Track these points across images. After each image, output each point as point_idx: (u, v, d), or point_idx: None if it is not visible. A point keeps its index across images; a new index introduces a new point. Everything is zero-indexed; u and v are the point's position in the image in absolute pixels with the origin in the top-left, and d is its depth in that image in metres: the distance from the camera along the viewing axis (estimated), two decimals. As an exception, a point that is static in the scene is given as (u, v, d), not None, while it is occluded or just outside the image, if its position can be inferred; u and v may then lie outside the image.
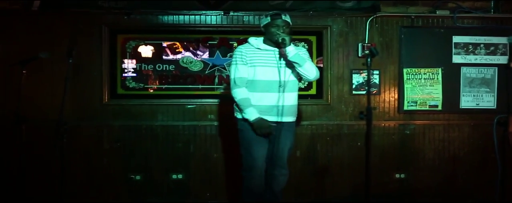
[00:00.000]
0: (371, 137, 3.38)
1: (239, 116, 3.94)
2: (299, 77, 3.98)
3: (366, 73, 5.28)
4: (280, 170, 3.98)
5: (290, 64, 3.85)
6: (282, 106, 3.85)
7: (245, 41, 4.11)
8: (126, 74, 5.27)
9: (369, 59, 3.31)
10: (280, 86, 3.84)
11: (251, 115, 3.79)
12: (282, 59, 3.86)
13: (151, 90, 5.31)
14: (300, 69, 3.82)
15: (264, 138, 3.88)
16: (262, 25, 3.96)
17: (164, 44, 5.30)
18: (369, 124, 3.28)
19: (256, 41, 3.98)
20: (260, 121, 3.78)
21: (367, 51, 5.12)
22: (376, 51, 3.32)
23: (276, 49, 3.87)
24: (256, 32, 4.19)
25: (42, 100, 5.04)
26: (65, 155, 4.83)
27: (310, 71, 3.86)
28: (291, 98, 3.94)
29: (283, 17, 3.86)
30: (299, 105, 4.12)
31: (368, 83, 3.64)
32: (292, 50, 3.75)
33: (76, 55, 4.87)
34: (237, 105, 3.90)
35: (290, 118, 3.97)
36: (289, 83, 3.90)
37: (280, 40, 3.72)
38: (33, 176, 4.93)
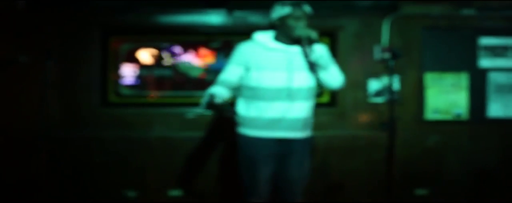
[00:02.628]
0: (395, 150, 2.93)
1: (242, 131, 3.27)
2: (318, 84, 3.29)
3: (384, 79, 4.85)
4: (294, 197, 3.29)
5: (310, 67, 3.16)
6: (291, 118, 3.15)
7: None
8: (119, 80, 4.85)
9: (391, 62, 2.88)
10: (289, 94, 3.12)
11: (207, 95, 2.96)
12: (298, 59, 3.15)
13: (147, 98, 4.89)
14: (324, 74, 3.13)
15: (270, 158, 3.21)
16: (276, 17, 3.15)
17: (161, 47, 4.87)
18: (393, 136, 2.86)
19: (264, 38, 3.20)
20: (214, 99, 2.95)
21: (387, 53, 4.76)
22: (400, 53, 2.87)
23: (288, 48, 3.16)
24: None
25: (23, 108, 4.63)
26: (51, 169, 4.60)
27: (336, 77, 3.17)
28: (303, 109, 3.20)
29: (304, 7, 3.11)
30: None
31: (390, 90, 3.14)
32: (320, 50, 3.04)
33: (63, 59, 4.68)
34: (239, 117, 3.27)
35: (302, 133, 3.25)
36: (302, 90, 3.16)
37: (304, 37, 2.98)
38: (10, 192, 4.56)
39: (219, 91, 3.07)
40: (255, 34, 3.26)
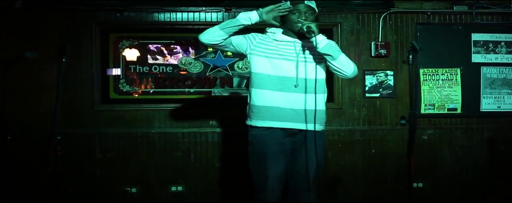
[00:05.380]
0: (415, 145, 2.97)
1: (249, 122, 3.24)
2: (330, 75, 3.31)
3: (380, 74, 4.93)
4: (304, 193, 3.27)
5: (319, 59, 3.18)
6: (303, 109, 3.15)
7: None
8: (119, 77, 4.87)
9: (410, 56, 2.91)
10: (296, 84, 3.15)
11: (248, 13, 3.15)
12: (305, 52, 3.18)
13: (147, 95, 4.91)
14: (334, 63, 3.08)
15: (281, 153, 3.18)
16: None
17: (161, 44, 4.91)
18: (413, 131, 2.90)
19: (274, 31, 3.29)
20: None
21: (383, 50, 4.85)
22: (419, 47, 2.90)
23: (296, 40, 3.19)
24: (261, 30, 3.46)
25: (28, 106, 4.67)
26: (55, 166, 4.61)
27: (347, 65, 3.11)
28: (313, 101, 3.14)
29: (305, 1, 3.15)
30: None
31: (410, 83, 3.17)
32: (322, 40, 3.04)
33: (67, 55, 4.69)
34: (248, 108, 3.25)
35: (313, 126, 3.17)
36: (310, 82, 3.16)
37: (305, 29, 3.00)
38: (20, 191, 4.57)
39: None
40: (268, 28, 3.32)
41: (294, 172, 3.26)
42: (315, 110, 3.14)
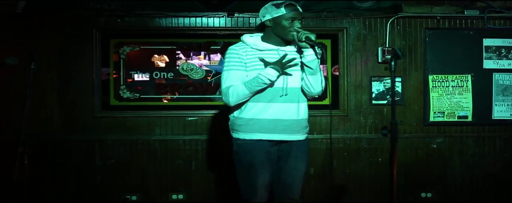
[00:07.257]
0: (396, 156, 2.83)
1: (235, 135, 3.13)
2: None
3: (387, 81, 4.79)
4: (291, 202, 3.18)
5: (302, 68, 3.08)
6: (289, 120, 3.05)
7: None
8: (119, 83, 4.81)
9: (392, 63, 2.76)
10: (284, 94, 3.02)
11: (267, 73, 2.91)
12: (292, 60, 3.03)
13: (148, 101, 4.84)
14: (310, 78, 3.03)
15: (267, 162, 3.06)
16: (269, 17, 3.01)
17: (162, 49, 4.83)
18: (394, 141, 2.75)
19: (252, 39, 3.08)
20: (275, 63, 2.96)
21: (390, 55, 4.70)
22: (401, 53, 2.75)
23: (279, 47, 3.04)
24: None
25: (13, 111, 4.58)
26: (53, 173, 4.58)
27: (320, 83, 3.08)
28: (300, 110, 3.10)
29: (298, 7, 3.01)
30: (312, 116, 3.49)
31: (392, 92, 3.03)
32: (311, 54, 2.96)
33: (63, 62, 4.66)
34: (234, 120, 3.12)
35: (300, 135, 3.13)
36: (296, 90, 3.08)
37: (303, 39, 2.87)
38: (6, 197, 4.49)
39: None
40: (243, 36, 3.15)
41: (280, 181, 3.16)
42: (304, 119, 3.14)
